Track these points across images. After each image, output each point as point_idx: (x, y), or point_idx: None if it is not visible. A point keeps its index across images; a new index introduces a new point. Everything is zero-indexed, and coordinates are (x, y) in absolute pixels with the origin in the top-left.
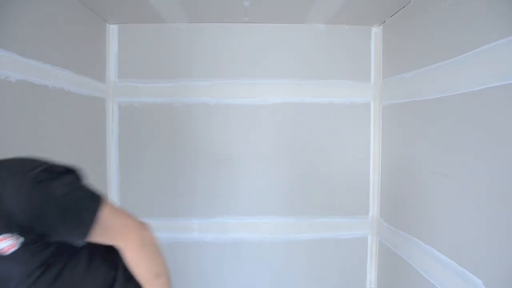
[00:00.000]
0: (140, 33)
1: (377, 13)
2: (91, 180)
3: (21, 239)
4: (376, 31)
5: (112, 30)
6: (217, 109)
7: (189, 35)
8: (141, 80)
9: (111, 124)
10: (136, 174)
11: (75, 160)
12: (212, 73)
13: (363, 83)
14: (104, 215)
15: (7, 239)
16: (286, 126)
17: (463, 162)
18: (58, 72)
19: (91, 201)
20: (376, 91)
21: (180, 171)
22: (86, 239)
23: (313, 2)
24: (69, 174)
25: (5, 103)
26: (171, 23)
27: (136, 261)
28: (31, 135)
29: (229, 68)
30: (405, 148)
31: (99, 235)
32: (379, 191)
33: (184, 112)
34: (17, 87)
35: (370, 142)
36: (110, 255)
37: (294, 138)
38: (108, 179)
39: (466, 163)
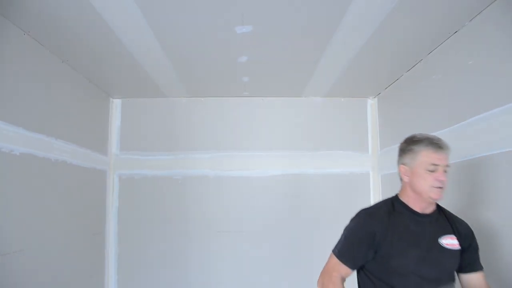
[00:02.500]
0: (142, 106)
1: (371, 86)
2: (90, 250)
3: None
4: (371, 102)
5: (116, 104)
6: (216, 181)
7: (189, 109)
8: (142, 152)
9: (111, 196)
10: (135, 247)
11: (75, 231)
12: (212, 146)
13: (361, 153)
14: None
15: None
16: (285, 198)
17: None
18: (62, 145)
19: None
20: (374, 161)
21: (179, 244)
22: None
23: (309, 77)
24: None
25: (8, 175)
26: (172, 97)
27: None
28: (32, 206)
29: (229, 141)
30: None
31: None
32: None
33: (183, 184)
34: (21, 160)
35: None
36: None
37: (294, 208)
38: (107, 250)
39: None
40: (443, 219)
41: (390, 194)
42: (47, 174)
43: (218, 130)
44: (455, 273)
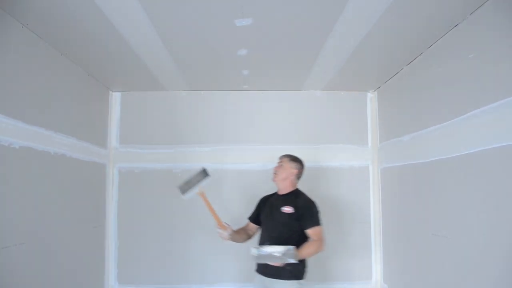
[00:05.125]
0: (142, 100)
1: (371, 80)
2: (90, 244)
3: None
4: (371, 96)
5: (115, 97)
6: (216, 175)
7: (189, 102)
8: (142, 146)
9: (111, 189)
10: (135, 240)
11: (75, 224)
12: (212, 139)
13: (361, 146)
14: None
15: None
16: None
17: (464, 224)
18: (61, 138)
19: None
20: (374, 155)
21: (179, 238)
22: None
23: (309, 71)
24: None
25: (8, 168)
26: (172, 91)
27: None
28: (32, 199)
29: (229, 134)
30: (406, 211)
31: None
32: (381, 255)
33: (183, 178)
34: (20, 153)
35: (370, 206)
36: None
37: None
38: (107, 243)
39: (467, 225)
40: (291, 198)
41: (389, 187)
42: (47, 167)
43: (218, 124)
44: (293, 228)
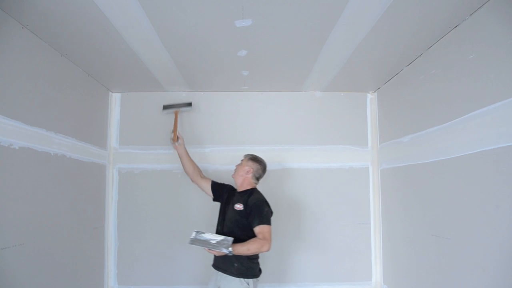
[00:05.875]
0: (142, 100)
1: (371, 81)
2: (90, 245)
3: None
4: (371, 97)
5: (115, 98)
6: (216, 175)
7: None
8: (142, 146)
9: (111, 190)
10: (135, 241)
11: (75, 225)
12: (212, 140)
13: (360, 147)
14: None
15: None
16: (284, 192)
17: (464, 225)
18: (61, 139)
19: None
20: (374, 155)
21: (179, 239)
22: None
23: (309, 72)
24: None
25: (7, 169)
26: (171, 91)
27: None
28: (31, 200)
29: (229, 135)
30: (406, 211)
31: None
32: (381, 256)
33: (183, 179)
34: (20, 154)
35: (370, 206)
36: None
37: (293, 203)
38: (106, 245)
39: (467, 226)
40: (245, 196)
41: (389, 188)
42: (47, 168)
43: (217, 124)
44: (241, 225)
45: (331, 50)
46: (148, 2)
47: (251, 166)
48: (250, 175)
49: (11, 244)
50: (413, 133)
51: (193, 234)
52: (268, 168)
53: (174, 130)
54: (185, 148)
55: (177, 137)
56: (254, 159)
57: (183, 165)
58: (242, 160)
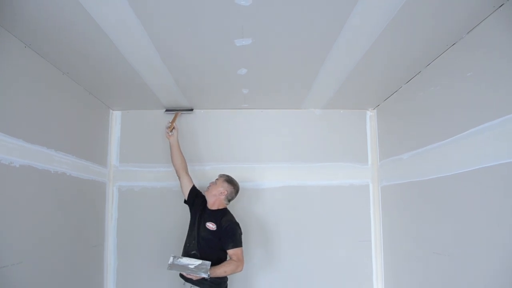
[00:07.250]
0: (142, 118)
1: (370, 98)
2: (89, 263)
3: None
4: (370, 114)
5: (116, 116)
6: None
7: (189, 121)
8: (142, 164)
9: (111, 208)
10: (134, 258)
11: (74, 243)
12: (212, 157)
13: (360, 165)
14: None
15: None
16: (284, 209)
17: (465, 242)
18: (61, 157)
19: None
20: (374, 173)
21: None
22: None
23: (308, 90)
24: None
25: (8, 187)
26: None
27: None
28: (31, 218)
29: (229, 152)
30: (406, 229)
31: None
32: (382, 273)
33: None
34: (20, 172)
35: (371, 224)
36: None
37: (293, 221)
38: (106, 263)
39: (469, 243)
40: (217, 216)
41: (390, 205)
42: (47, 186)
43: (217, 142)
44: (213, 244)
45: (330, 68)
46: (149, 21)
47: (226, 189)
48: (223, 197)
49: (9, 263)
50: (413, 150)
51: (171, 260)
52: (268, 186)
53: (172, 121)
54: (177, 140)
55: (173, 127)
56: (230, 181)
57: (172, 155)
58: (217, 180)
